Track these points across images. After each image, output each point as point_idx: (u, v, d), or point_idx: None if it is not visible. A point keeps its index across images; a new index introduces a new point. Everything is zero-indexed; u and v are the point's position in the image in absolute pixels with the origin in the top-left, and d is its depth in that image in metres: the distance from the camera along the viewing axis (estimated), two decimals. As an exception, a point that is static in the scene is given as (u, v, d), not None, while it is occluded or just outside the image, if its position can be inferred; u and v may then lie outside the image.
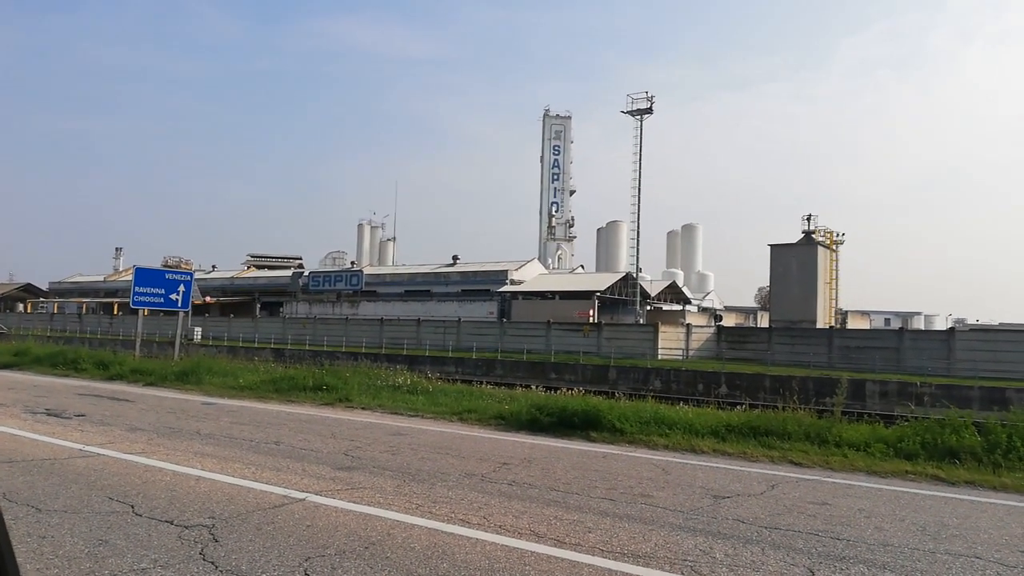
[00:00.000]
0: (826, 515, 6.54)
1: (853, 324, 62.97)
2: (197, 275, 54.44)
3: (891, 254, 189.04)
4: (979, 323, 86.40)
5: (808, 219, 55.21)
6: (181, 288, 27.47)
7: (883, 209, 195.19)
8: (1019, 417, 9.87)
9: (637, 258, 57.54)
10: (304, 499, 6.55)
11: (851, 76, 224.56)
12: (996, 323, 78.11)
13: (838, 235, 58.69)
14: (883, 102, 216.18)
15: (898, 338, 39.44)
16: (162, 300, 27.00)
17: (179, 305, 27.64)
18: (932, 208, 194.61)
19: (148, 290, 26.60)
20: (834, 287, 56.00)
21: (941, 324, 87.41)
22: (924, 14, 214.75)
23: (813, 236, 54.24)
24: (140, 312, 29.33)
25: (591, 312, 54.09)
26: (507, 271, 63.16)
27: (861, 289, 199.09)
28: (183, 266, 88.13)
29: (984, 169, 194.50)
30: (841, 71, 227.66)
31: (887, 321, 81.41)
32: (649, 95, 56.30)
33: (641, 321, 54.46)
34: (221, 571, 4.58)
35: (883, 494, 7.58)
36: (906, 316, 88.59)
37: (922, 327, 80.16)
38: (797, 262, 51.83)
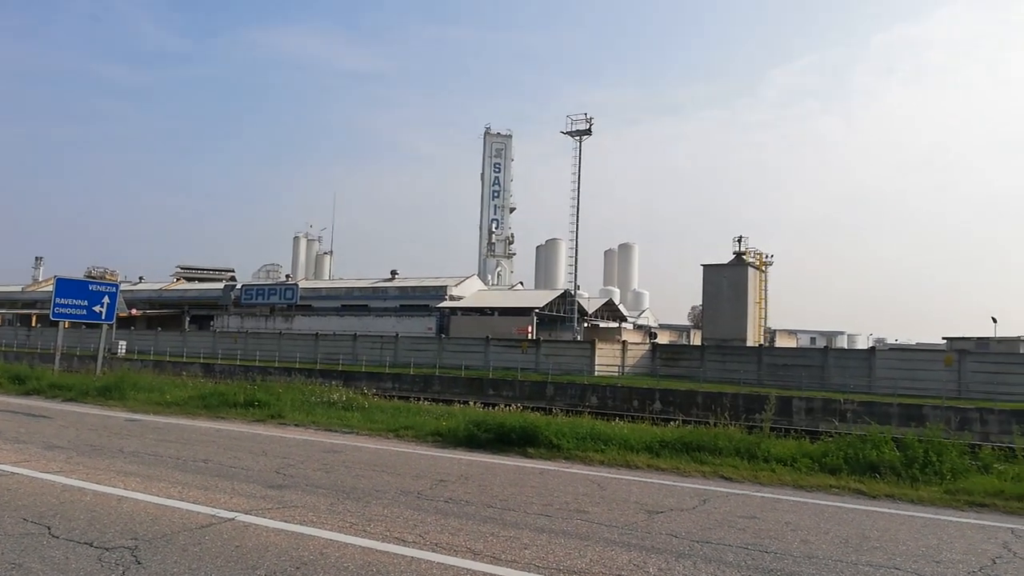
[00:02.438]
0: (755, 528, 6.71)
1: (781, 343, 64.98)
2: (123, 287, 52.51)
3: (816, 275, 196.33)
4: (898, 343, 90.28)
5: (739, 241, 56.93)
6: (106, 300, 26.41)
7: (809, 232, 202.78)
8: (935, 433, 10.33)
9: (575, 276, 58.25)
10: (233, 519, 6.35)
11: (780, 105, 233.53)
12: (913, 343, 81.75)
13: (767, 256, 60.63)
14: (810, 130, 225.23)
15: (823, 357, 40.91)
16: (85, 312, 25.89)
17: (103, 318, 26.55)
18: (854, 232, 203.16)
19: (70, 301, 25.47)
20: (763, 307, 57.78)
21: (863, 343, 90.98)
22: (848, 49, 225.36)
23: (744, 257, 55.94)
24: (61, 324, 28.04)
25: (530, 328, 54.36)
26: (446, 287, 62.99)
27: (788, 309, 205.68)
28: (108, 277, 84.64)
29: (902, 196, 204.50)
30: (771, 99, 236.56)
31: (813, 340, 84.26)
32: (588, 116, 57.37)
33: (579, 338, 55.00)
34: (144, 595, 4.40)
35: (808, 507, 7.83)
36: (830, 335, 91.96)
37: (845, 346, 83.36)
38: (728, 282, 53.34)
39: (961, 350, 39.01)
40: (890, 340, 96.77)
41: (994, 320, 53.44)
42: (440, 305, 60.44)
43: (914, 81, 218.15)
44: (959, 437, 10.77)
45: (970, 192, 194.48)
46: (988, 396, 31.97)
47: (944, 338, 50.64)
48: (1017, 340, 44.05)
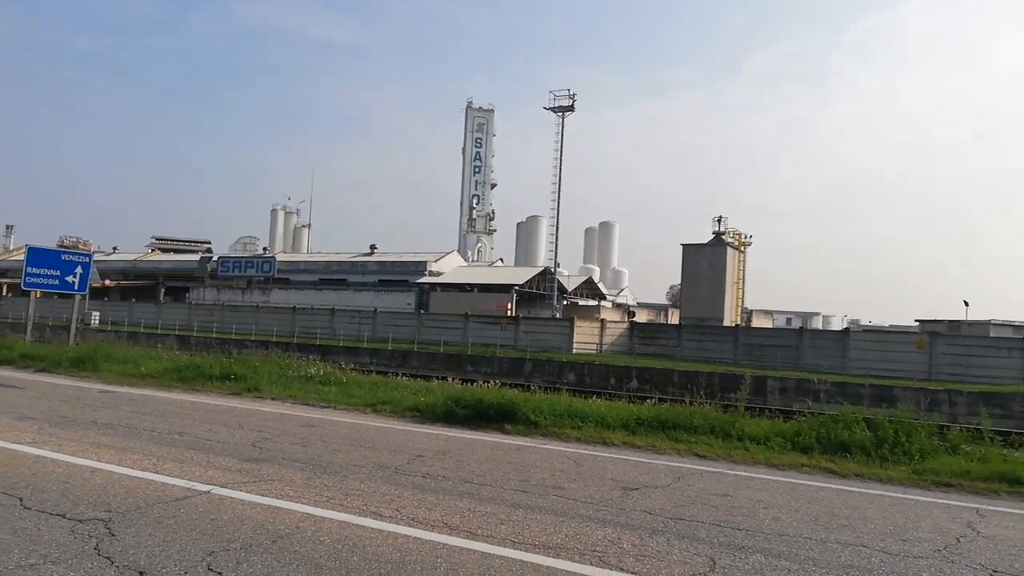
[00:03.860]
0: (728, 506, 6.81)
1: (757, 323, 65.78)
2: (97, 257, 51.67)
3: (794, 256, 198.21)
4: (871, 324, 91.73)
5: (719, 221, 57.29)
6: (79, 270, 26.02)
7: (788, 214, 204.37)
8: (905, 414, 10.50)
9: (556, 253, 58.31)
10: (208, 491, 6.33)
11: (761, 88, 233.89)
12: (887, 325, 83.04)
13: (746, 237, 61.15)
14: (789, 114, 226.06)
15: (798, 337, 41.41)
16: (57, 282, 25.51)
17: (76, 288, 26.19)
18: (832, 214, 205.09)
19: (42, 271, 25.06)
20: (741, 287, 58.33)
21: (837, 325, 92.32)
22: (828, 35, 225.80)
23: (723, 237, 56.31)
24: (32, 294, 27.59)
25: (509, 305, 54.43)
26: (426, 262, 62.76)
27: (766, 289, 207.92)
28: (81, 247, 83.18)
29: (879, 180, 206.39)
30: (752, 83, 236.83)
31: (788, 321, 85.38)
32: (571, 93, 57.19)
33: (558, 315, 55.20)
34: (117, 567, 4.38)
35: (780, 486, 7.96)
36: (806, 316, 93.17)
37: (820, 327, 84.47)
38: (707, 262, 53.69)
39: (933, 333, 39.69)
40: (864, 322, 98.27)
41: (966, 303, 54.57)
42: (420, 280, 60.26)
43: (891, 67, 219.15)
44: (928, 418, 11.00)
45: (945, 177, 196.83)
46: (958, 378, 32.63)
47: (917, 320, 51.45)
48: (988, 324, 44.88)
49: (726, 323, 51.25)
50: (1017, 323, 45.60)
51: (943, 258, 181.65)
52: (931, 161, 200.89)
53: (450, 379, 19.35)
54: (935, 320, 48.61)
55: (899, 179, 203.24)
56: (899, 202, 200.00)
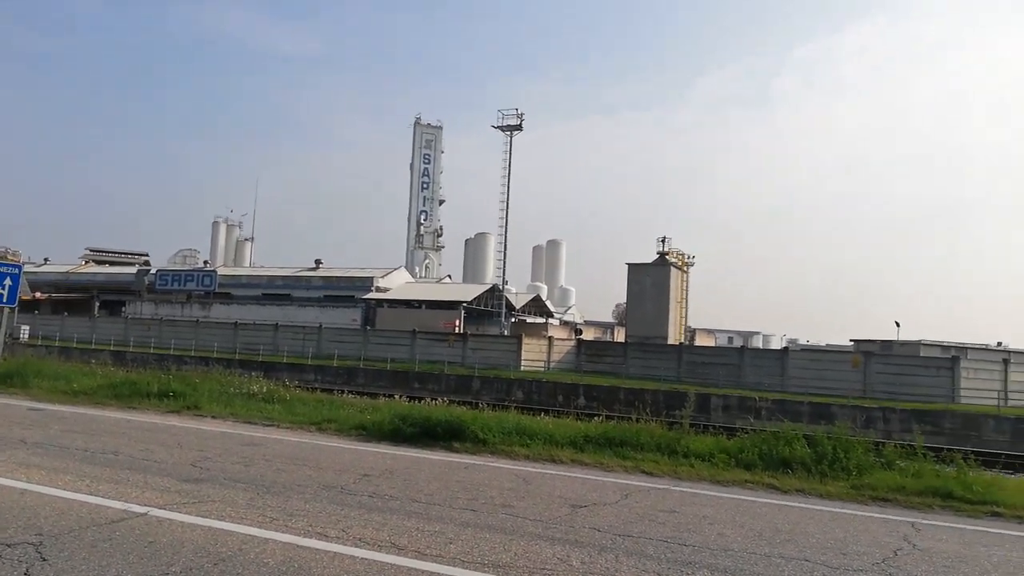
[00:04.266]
0: (675, 522, 6.89)
1: (700, 341, 66.93)
2: (27, 268, 49.69)
3: (735, 276, 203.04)
4: (809, 343, 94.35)
5: (663, 241, 58.36)
6: (7, 281, 24.84)
7: (730, 234, 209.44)
8: (842, 431, 10.82)
9: (504, 270, 58.44)
10: (146, 513, 6.10)
11: (706, 110, 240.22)
12: (823, 344, 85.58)
13: (689, 257, 62.34)
14: (732, 137, 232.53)
15: (739, 356, 42.37)
16: (-16, 294, 24.36)
17: (3, 300, 25.02)
18: (772, 236, 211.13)
19: (-33, 282, 23.91)
20: (684, 306, 59.42)
21: (777, 344, 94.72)
22: (771, 60, 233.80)
23: (667, 257, 57.35)
24: (-44, 307, 26.28)
25: (457, 322, 54.26)
26: (373, 278, 62.15)
27: (708, 308, 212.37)
28: (10, 258, 79.78)
29: (814, 203, 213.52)
30: (696, 106, 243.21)
31: (730, 339, 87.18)
32: (519, 112, 57.60)
33: (506, 333, 55.25)
34: (48, 594, 4.18)
35: (725, 502, 8.09)
36: (747, 335, 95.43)
37: (760, 346, 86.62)
38: (651, 281, 54.60)
39: (867, 352, 41.07)
40: (802, 341, 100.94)
41: (897, 324, 56.49)
42: (366, 296, 59.59)
43: (831, 93, 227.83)
44: (865, 435, 11.34)
45: (879, 201, 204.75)
46: (891, 396, 33.82)
47: (852, 340, 53.14)
48: (918, 343, 46.67)
49: (670, 341, 52.10)
50: (946, 343, 47.55)
51: (877, 279, 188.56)
52: (866, 186, 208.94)
53: (397, 396, 19.13)
54: (869, 340, 50.30)
55: (831, 203, 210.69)
56: (836, 224, 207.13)
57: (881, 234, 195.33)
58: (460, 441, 11.15)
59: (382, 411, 13.42)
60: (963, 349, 46.01)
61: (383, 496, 7.36)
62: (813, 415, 28.41)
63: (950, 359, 37.34)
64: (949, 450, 12.72)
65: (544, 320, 71.93)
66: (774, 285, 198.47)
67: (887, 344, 48.50)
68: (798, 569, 5.55)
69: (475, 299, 58.91)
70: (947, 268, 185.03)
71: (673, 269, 56.31)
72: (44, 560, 4.75)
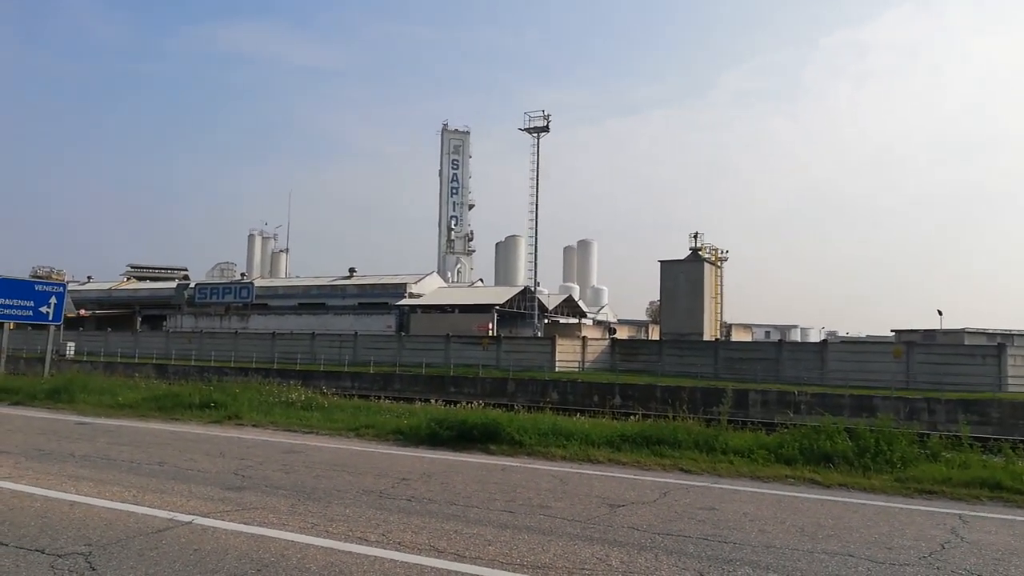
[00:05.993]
0: (714, 520, 6.82)
1: (737, 337, 66.18)
2: (71, 287, 51.05)
3: (771, 270, 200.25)
4: (848, 335, 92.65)
5: (695, 237, 57.76)
6: (53, 300, 25.69)
7: (764, 228, 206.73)
8: (885, 423, 10.60)
9: (535, 272, 58.36)
10: (191, 522, 6.23)
11: (731, 106, 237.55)
12: (863, 335, 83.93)
13: (722, 252, 61.66)
14: (760, 130, 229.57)
15: (777, 350, 41.75)
16: (31, 313, 25.15)
17: (50, 319, 25.84)
18: (806, 228, 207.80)
19: (15, 302, 24.72)
20: (719, 301, 58.70)
21: (815, 337, 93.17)
22: (797, 51, 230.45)
23: (700, 253, 56.74)
24: (5, 325, 27.13)
25: (490, 325, 54.35)
26: (406, 284, 62.59)
27: (743, 303, 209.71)
28: (55, 277, 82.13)
29: (851, 193, 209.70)
30: (722, 101, 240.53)
31: (767, 334, 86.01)
32: (545, 114, 57.42)
33: (539, 334, 55.18)
34: (99, 602, 4.29)
35: (765, 498, 7.98)
36: (784, 329, 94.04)
37: (798, 339, 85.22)
38: (685, 277, 54.01)
39: (909, 342, 40.19)
40: (841, 333, 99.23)
41: (940, 313, 55.26)
42: (399, 303, 60.04)
43: (860, 83, 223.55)
44: (908, 426, 11.11)
45: (915, 190, 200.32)
46: (935, 386, 33.03)
47: (893, 331, 52.03)
48: (962, 332, 45.51)
49: (706, 338, 51.52)
50: (991, 331, 46.31)
51: (916, 268, 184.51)
52: (901, 174, 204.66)
53: (433, 401, 19.28)
54: (911, 330, 49.22)
55: (871, 191, 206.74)
56: (871, 214, 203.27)
57: (919, 222, 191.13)
58: (496, 443, 11.16)
59: (418, 415, 13.50)
60: (1009, 336, 44.75)
61: (421, 499, 7.41)
62: (854, 408, 27.92)
63: (996, 346, 36.36)
64: (996, 440, 12.40)
65: (577, 320, 71.71)
66: (811, 278, 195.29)
67: (929, 334, 47.41)
68: (842, 565, 5.45)
69: (507, 302, 58.95)
70: (989, 255, 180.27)
71: (707, 264, 55.67)
72: (93, 569, 4.88)
